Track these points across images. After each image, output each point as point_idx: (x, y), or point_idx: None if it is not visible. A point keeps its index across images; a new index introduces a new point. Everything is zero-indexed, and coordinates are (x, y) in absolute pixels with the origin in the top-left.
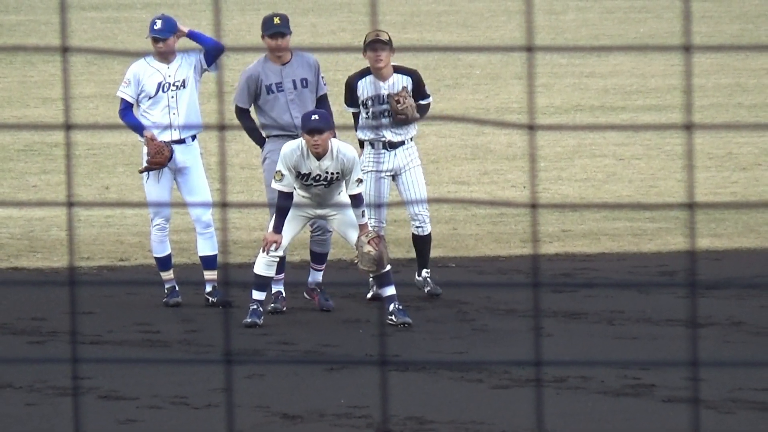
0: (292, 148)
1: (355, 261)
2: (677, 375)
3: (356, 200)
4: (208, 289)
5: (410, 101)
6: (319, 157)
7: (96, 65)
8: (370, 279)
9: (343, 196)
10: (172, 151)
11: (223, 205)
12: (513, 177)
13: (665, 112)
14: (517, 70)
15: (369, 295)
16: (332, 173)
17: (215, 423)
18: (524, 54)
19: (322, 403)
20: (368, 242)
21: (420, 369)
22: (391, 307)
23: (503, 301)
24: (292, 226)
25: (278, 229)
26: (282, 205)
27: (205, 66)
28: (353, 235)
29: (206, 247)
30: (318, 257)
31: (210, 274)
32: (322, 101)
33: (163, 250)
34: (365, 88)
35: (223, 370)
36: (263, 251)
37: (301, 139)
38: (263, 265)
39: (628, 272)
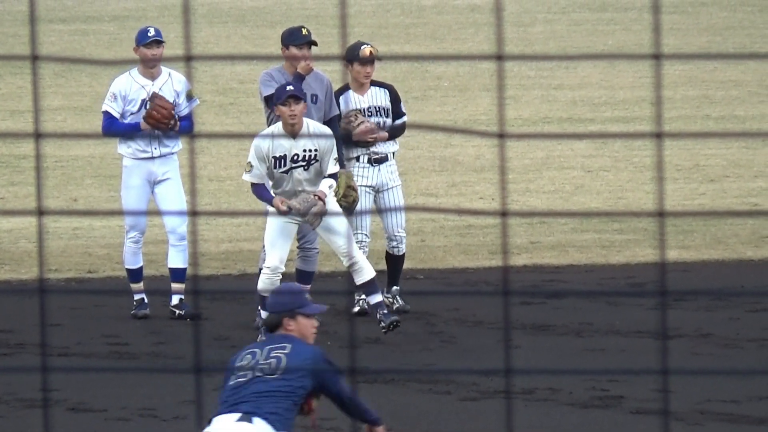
0: (263, 135)
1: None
2: (646, 387)
3: (332, 124)
4: (175, 301)
5: (365, 122)
6: (294, 134)
7: (64, 77)
8: (356, 295)
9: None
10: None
11: (193, 213)
12: (481, 189)
13: (634, 124)
14: (485, 81)
15: (355, 310)
16: (309, 150)
17: None
18: (493, 66)
19: None
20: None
21: (389, 381)
22: (378, 315)
23: (471, 313)
24: (284, 237)
25: (272, 197)
26: (258, 190)
27: (178, 112)
28: (339, 242)
29: (178, 259)
30: (304, 276)
31: (178, 287)
32: (332, 122)
33: (135, 262)
34: (347, 102)
35: (191, 382)
36: (267, 257)
37: (271, 127)
38: (267, 283)
39: (596, 284)
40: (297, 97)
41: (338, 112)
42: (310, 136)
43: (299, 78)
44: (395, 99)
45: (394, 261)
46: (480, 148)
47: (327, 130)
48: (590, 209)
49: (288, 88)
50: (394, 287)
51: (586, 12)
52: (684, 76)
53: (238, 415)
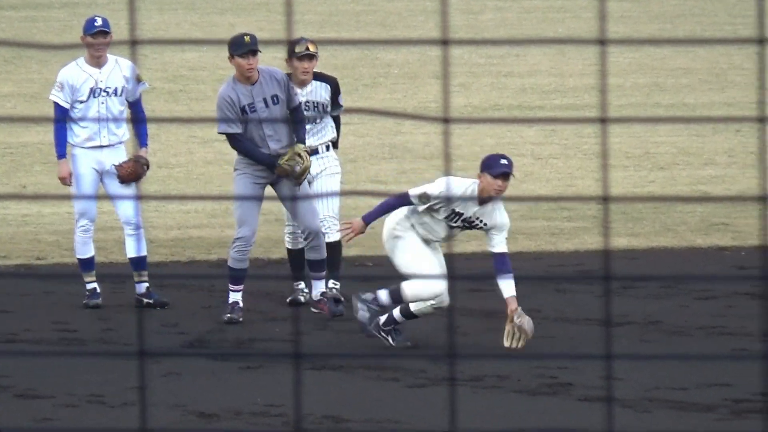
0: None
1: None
2: (594, 374)
3: (297, 113)
4: (141, 290)
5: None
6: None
7: (14, 64)
8: (296, 284)
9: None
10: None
11: (139, 198)
12: (430, 176)
13: (583, 111)
14: (434, 69)
15: (291, 299)
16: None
17: (131, 421)
18: (443, 53)
19: (239, 402)
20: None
21: (337, 368)
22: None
23: None
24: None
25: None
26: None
27: (128, 97)
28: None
29: (136, 248)
30: (315, 265)
31: (141, 276)
32: (296, 111)
33: (86, 251)
34: None
35: (138, 368)
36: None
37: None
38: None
39: (545, 271)
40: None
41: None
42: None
43: (252, 86)
44: (335, 91)
45: (329, 249)
46: (429, 135)
47: (279, 70)
48: (540, 196)
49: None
50: (332, 281)
51: (536, 0)
52: (634, 63)
53: None
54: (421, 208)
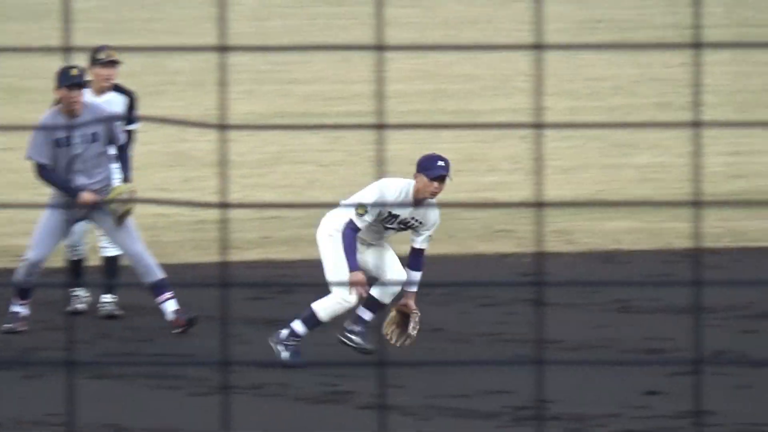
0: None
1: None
2: (375, 382)
3: (122, 152)
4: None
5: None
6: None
7: None
8: (73, 292)
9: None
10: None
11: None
12: (213, 184)
13: (367, 118)
14: (220, 76)
15: (70, 308)
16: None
17: None
18: (227, 61)
19: (19, 411)
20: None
21: (118, 377)
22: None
23: (199, 308)
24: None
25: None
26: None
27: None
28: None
29: None
30: (156, 288)
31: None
32: (121, 150)
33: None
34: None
35: None
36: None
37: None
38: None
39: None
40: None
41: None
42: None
43: (74, 119)
44: (132, 105)
45: (107, 263)
46: (213, 143)
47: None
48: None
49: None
50: (110, 295)
51: (322, 6)
52: (418, 70)
53: None
54: (369, 219)
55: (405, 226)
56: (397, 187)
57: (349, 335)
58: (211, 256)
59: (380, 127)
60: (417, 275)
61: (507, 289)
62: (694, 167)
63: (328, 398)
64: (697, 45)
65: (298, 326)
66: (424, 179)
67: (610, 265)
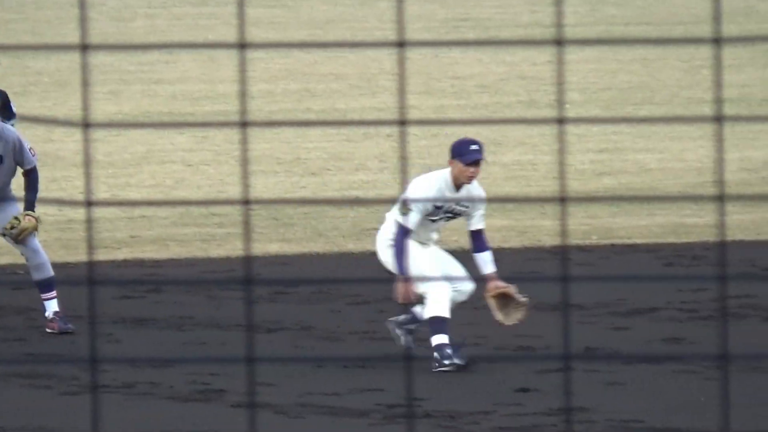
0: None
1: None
2: (247, 380)
3: (31, 177)
4: None
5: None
6: None
7: None
8: None
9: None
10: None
11: None
12: (81, 183)
13: (233, 117)
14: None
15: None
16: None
17: None
18: (93, 61)
19: None
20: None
21: None
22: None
23: (71, 307)
24: None
25: None
26: None
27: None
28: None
29: None
30: (44, 286)
31: None
32: (29, 174)
33: None
34: None
35: None
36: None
37: None
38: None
39: (197, 277)
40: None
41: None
42: None
43: None
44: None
45: None
46: (79, 143)
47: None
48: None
49: None
50: None
51: (186, 6)
52: (284, 69)
53: None
54: (417, 217)
55: (452, 214)
56: (433, 181)
57: (399, 332)
58: (80, 256)
59: (245, 125)
60: (488, 254)
61: (377, 287)
62: (560, 164)
63: (199, 397)
64: (559, 42)
65: (438, 340)
66: (459, 165)
67: None
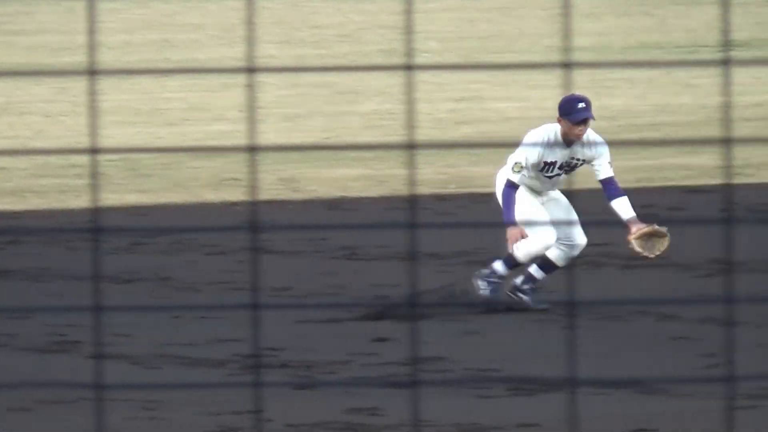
0: None
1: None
2: (105, 332)
3: None
4: None
5: None
6: None
7: None
8: None
9: None
10: None
11: None
12: None
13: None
14: None
15: None
16: None
17: None
18: None
19: None
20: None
21: None
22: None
23: None
24: None
25: None
26: None
27: None
28: None
29: None
30: None
31: None
32: None
33: None
34: None
35: None
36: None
37: None
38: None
39: (56, 228)
40: None
41: None
42: None
43: None
44: None
45: None
46: None
47: None
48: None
49: None
50: None
51: None
52: (144, 20)
53: None
54: (527, 173)
55: (570, 168)
56: (542, 132)
57: (519, 293)
58: None
59: (93, 73)
60: (623, 200)
61: (234, 237)
62: (408, 113)
63: (55, 348)
64: None
65: (498, 266)
66: (568, 123)
67: (335, 212)
